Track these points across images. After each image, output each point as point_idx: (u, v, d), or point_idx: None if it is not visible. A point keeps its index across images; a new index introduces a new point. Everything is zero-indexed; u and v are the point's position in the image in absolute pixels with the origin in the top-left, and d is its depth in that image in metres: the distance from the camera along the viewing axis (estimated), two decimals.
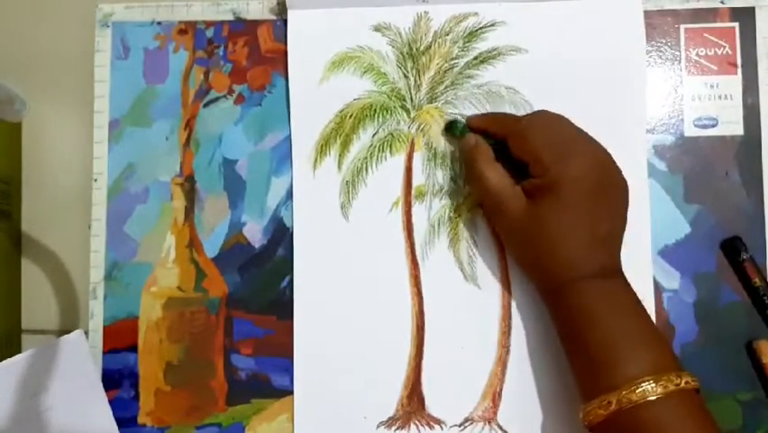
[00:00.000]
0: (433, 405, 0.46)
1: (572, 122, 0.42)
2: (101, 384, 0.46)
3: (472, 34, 0.47)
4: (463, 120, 0.46)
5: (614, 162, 0.41)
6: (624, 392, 0.36)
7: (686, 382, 0.36)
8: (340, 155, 0.47)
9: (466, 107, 0.47)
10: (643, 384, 0.36)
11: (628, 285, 0.40)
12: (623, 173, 0.42)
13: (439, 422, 0.46)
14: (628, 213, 0.42)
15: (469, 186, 0.46)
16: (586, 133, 0.42)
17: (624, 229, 0.42)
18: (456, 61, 0.47)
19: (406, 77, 0.47)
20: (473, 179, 0.44)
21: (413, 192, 0.47)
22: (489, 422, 0.45)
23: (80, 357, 0.45)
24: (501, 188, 0.42)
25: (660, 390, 0.35)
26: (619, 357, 0.37)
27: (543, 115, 0.43)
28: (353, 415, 0.46)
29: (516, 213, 0.41)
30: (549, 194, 0.40)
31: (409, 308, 0.46)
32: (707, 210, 0.46)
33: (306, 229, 0.47)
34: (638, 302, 0.40)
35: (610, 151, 0.43)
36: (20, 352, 0.45)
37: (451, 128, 0.46)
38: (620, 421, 0.36)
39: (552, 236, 0.40)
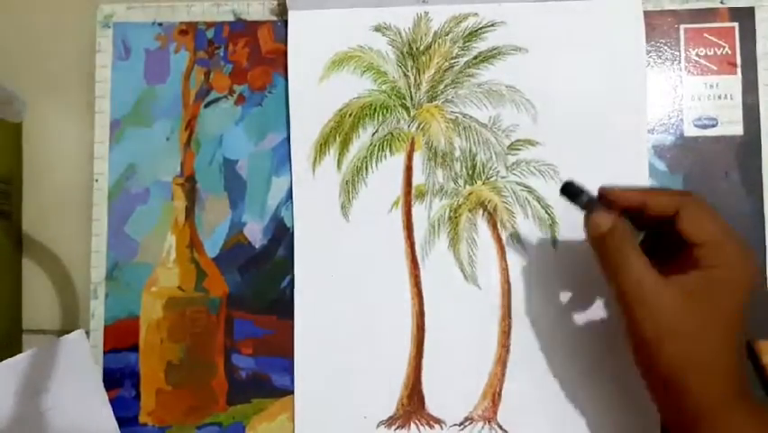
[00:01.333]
0: (433, 405, 0.46)
1: None
2: (102, 384, 0.47)
3: (472, 34, 0.47)
4: (587, 190, 0.39)
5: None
6: None
7: None
8: (339, 154, 0.47)
9: (466, 106, 0.47)
10: None
11: (761, 407, 0.36)
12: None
13: (439, 422, 0.46)
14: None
15: (601, 268, 0.38)
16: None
17: None
18: (456, 60, 0.47)
19: (406, 75, 0.47)
20: (611, 264, 0.36)
21: (413, 192, 0.47)
22: (489, 422, 0.45)
23: (81, 357, 0.45)
24: (650, 282, 0.35)
25: None
26: None
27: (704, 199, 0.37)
28: (353, 415, 0.46)
29: (661, 312, 0.35)
30: (717, 291, 0.34)
31: (409, 308, 0.46)
32: None
33: (306, 229, 0.47)
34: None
35: (611, 151, 0.43)
36: (20, 352, 0.45)
37: (571, 192, 0.39)
38: None
39: (713, 345, 0.34)
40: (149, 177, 0.48)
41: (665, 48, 0.47)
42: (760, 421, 0.35)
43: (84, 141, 0.49)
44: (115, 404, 0.47)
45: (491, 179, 0.47)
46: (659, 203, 0.37)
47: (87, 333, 0.47)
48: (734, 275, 0.35)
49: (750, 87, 0.47)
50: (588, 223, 0.38)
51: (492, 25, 0.47)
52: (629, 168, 0.46)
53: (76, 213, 0.49)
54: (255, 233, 0.48)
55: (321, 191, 0.47)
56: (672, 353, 0.35)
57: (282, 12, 0.49)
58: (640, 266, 0.35)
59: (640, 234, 0.40)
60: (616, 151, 0.46)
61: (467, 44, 0.47)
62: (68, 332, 0.46)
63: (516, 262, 0.46)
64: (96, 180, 0.48)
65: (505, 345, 0.46)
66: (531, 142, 0.47)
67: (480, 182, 0.47)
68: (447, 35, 0.47)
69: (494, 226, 0.47)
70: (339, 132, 0.47)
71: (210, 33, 0.49)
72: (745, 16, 0.47)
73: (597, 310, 0.45)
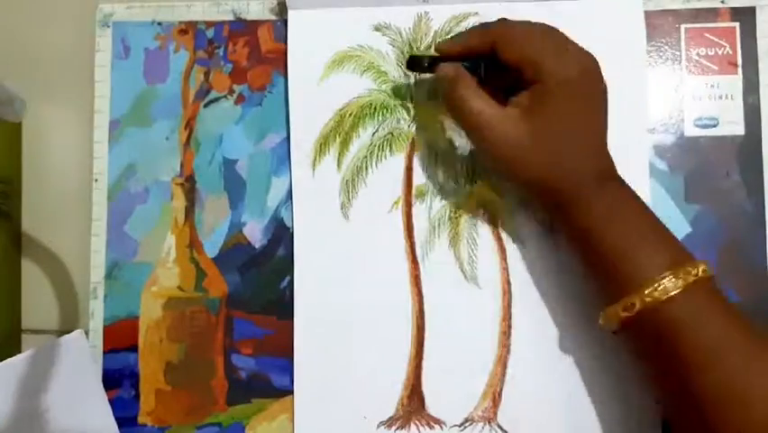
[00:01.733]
0: (433, 405, 0.46)
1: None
2: (101, 384, 0.46)
3: None
4: (430, 52, 0.45)
5: (598, 64, 0.41)
6: (647, 291, 0.36)
7: (703, 271, 0.37)
8: (339, 154, 0.47)
9: None
10: (663, 281, 0.36)
11: (628, 185, 0.41)
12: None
13: (439, 422, 0.46)
14: None
15: (453, 118, 0.43)
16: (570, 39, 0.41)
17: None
18: None
19: (406, 75, 0.47)
20: (457, 110, 0.41)
21: (413, 192, 0.47)
22: (489, 422, 0.45)
23: (80, 357, 0.45)
24: (490, 114, 0.39)
25: (681, 283, 0.36)
26: (637, 257, 0.38)
27: (529, 22, 0.41)
28: (353, 415, 0.46)
29: (511, 135, 0.39)
30: (551, 100, 0.38)
31: (409, 308, 0.46)
32: (707, 210, 0.46)
33: (306, 229, 0.47)
34: (641, 200, 0.40)
35: (611, 150, 0.44)
36: (20, 352, 0.45)
37: (416, 63, 0.44)
38: (646, 320, 0.37)
39: (557, 146, 0.39)
40: (148, 177, 0.48)
41: (666, 48, 0.47)
42: (622, 195, 0.40)
43: (83, 140, 0.49)
44: (115, 404, 0.47)
45: (492, 179, 0.47)
46: (476, 42, 0.41)
47: (87, 333, 0.47)
48: (558, 84, 0.38)
49: (751, 86, 0.46)
50: (437, 76, 0.42)
51: None
52: (629, 168, 0.46)
53: (75, 213, 0.49)
54: (255, 233, 0.48)
55: (321, 191, 0.47)
56: (518, 167, 0.40)
57: (282, 11, 0.49)
58: (478, 101, 0.40)
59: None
60: (616, 150, 0.46)
61: None
62: (67, 332, 0.45)
63: (516, 262, 0.46)
64: (96, 180, 0.48)
65: (505, 345, 0.46)
66: None
67: (480, 182, 0.47)
68: (447, 35, 0.47)
69: (494, 226, 0.47)
70: (339, 131, 0.47)
71: (210, 33, 0.49)
72: (746, 16, 0.47)
73: (597, 310, 0.45)
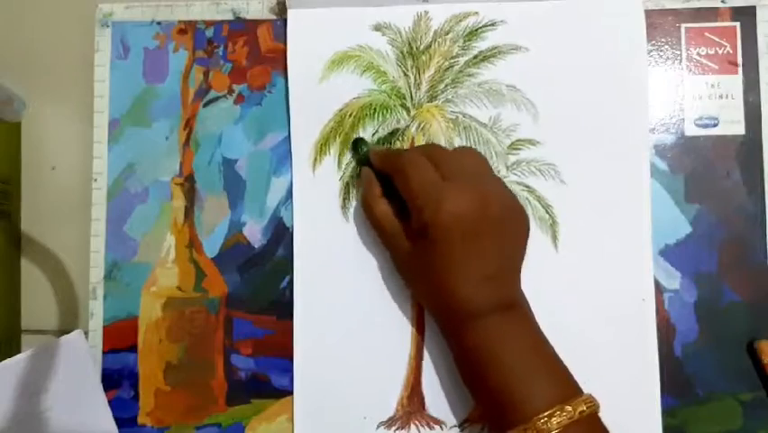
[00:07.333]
0: (433, 405, 0.46)
1: (455, 159, 0.41)
2: (101, 384, 0.46)
3: (472, 33, 0.47)
4: (367, 147, 0.46)
5: (499, 196, 0.40)
6: (526, 427, 0.36)
7: (580, 413, 0.37)
8: (340, 154, 0.47)
9: (467, 105, 0.47)
10: (544, 418, 0.36)
11: (526, 316, 0.40)
12: (517, 201, 0.41)
13: (439, 422, 0.46)
14: (625, 215, 0.44)
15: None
16: (468, 171, 0.41)
17: (522, 257, 0.42)
18: (456, 60, 0.47)
19: (406, 75, 0.47)
20: (365, 208, 0.45)
21: None
22: None
23: (80, 357, 0.45)
24: (387, 225, 0.43)
25: (564, 421, 0.36)
26: (520, 393, 0.37)
27: (420, 150, 0.43)
28: (353, 415, 0.46)
29: (402, 251, 0.42)
30: (425, 236, 0.39)
31: (409, 309, 0.46)
32: (707, 210, 0.46)
33: (306, 229, 0.47)
34: (536, 332, 0.40)
35: (612, 150, 0.43)
36: (20, 352, 0.45)
37: (355, 147, 0.47)
38: None
39: (436, 276, 0.40)
40: (148, 176, 0.48)
41: (666, 47, 0.47)
42: (509, 328, 0.39)
43: (83, 140, 0.49)
44: (114, 405, 0.47)
45: None
46: (384, 165, 0.44)
47: (86, 333, 0.47)
48: (434, 230, 0.39)
49: (751, 86, 0.46)
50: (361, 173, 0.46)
51: (492, 24, 0.47)
52: (630, 167, 0.46)
53: (75, 213, 0.49)
54: (254, 233, 0.48)
55: (321, 191, 0.47)
56: (411, 282, 0.44)
57: (282, 11, 0.48)
58: (381, 207, 0.43)
59: None
60: (616, 150, 0.46)
61: (467, 43, 0.47)
62: (67, 332, 0.45)
63: None
64: (95, 180, 0.48)
65: None
66: (531, 142, 0.46)
67: None
68: (447, 34, 0.47)
69: None
70: (339, 132, 0.47)
71: (209, 32, 0.49)
72: (747, 15, 0.47)
73: (596, 310, 0.45)
